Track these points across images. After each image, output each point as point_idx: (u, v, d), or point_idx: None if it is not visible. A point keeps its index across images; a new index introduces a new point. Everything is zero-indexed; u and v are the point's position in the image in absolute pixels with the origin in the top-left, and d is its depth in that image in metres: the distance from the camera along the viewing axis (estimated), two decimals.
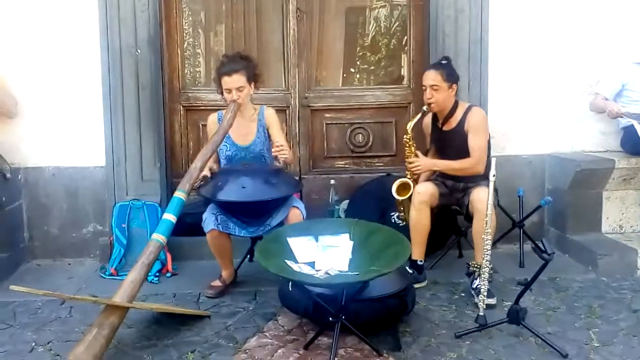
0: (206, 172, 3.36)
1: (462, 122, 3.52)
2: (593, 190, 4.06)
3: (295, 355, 2.74)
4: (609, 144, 4.31)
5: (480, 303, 2.91)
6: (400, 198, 3.62)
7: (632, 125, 4.03)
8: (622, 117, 4.09)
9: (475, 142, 3.47)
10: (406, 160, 3.60)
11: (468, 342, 2.84)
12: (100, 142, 4.08)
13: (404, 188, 3.62)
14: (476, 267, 3.29)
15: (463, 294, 3.41)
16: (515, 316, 2.80)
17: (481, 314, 2.88)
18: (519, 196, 3.98)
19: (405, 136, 3.58)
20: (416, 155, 3.56)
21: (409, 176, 3.62)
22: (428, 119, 3.70)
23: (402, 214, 3.71)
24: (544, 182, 4.30)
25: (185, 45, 4.48)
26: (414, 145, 3.59)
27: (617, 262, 3.74)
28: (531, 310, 3.09)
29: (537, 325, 2.90)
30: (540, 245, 2.75)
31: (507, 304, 3.08)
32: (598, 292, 3.46)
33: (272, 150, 3.39)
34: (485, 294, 2.93)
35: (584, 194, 4.05)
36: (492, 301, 3.18)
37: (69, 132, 4.09)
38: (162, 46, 4.21)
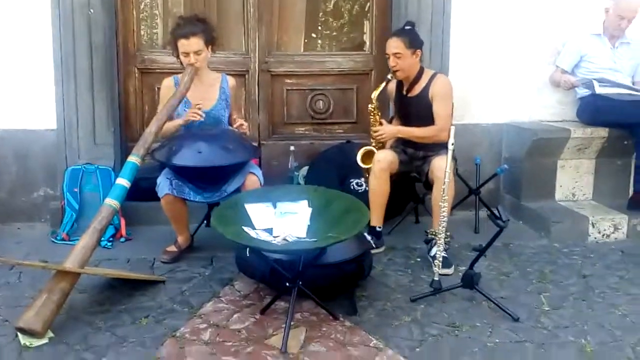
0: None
1: (426, 88, 3.50)
2: (548, 159, 4.13)
3: (252, 319, 2.73)
4: (566, 114, 4.37)
5: (436, 269, 2.95)
6: (365, 166, 3.62)
7: (589, 95, 4.10)
8: (577, 87, 4.15)
9: (439, 109, 3.46)
10: (371, 129, 3.59)
11: (423, 306, 2.87)
12: (51, 105, 3.93)
13: (369, 156, 3.61)
14: (434, 234, 3.32)
15: (419, 259, 3.45)
16: (469, 281, 2.85)
17: (436, 278, 2.92)
18: (476, 164, 4.02)
19: (369, 105, 3.57)
20: (380, 124, 3.55)
21: (374, 144, 3.62)
22: (392, 85, 3.67)
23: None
24: (501, 151, 4.35)
25: (142, 6, 4.33)
26: (379, 114, 3.58)
27: (570, 229, 3.82)
28: (485, 275, 3.14)
29: (491, 290, 2.95)
30: (496, 212, 2.78)
31: (462, 269, 3.12)
32: (550, 258, 3.53)
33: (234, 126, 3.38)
34: (441, 260, 2.97)
35: (539, 162, 4.11)
36: (449, 271, 3.22)
37: (18, 93, 3.93)
38: (117, 6, 4.05)
